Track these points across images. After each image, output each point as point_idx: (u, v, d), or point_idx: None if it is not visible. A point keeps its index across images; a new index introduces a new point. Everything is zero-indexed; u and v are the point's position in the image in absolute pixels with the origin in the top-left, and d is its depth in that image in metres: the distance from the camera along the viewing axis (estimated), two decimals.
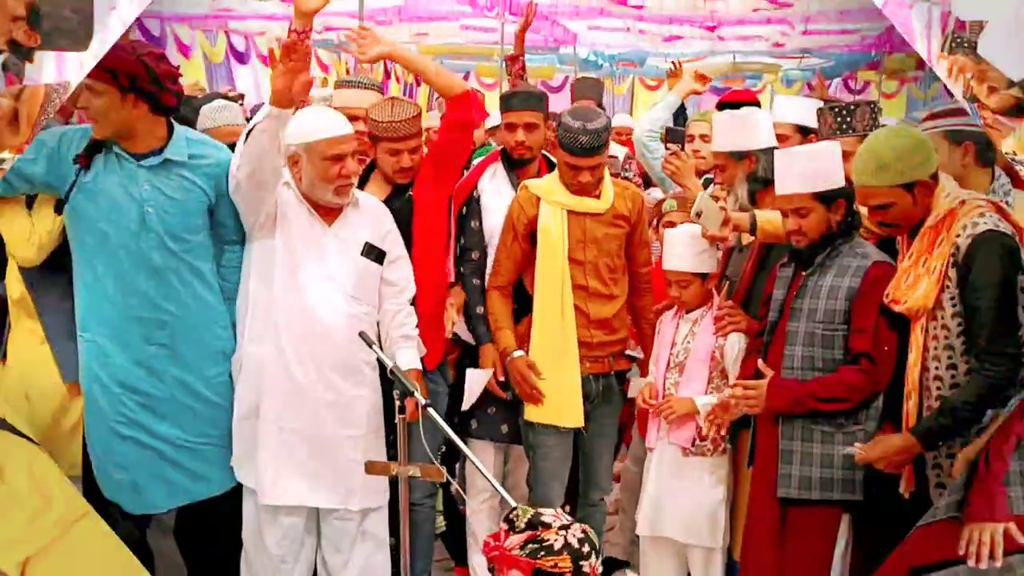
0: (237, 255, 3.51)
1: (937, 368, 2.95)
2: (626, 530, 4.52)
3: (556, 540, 2.24)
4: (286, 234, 3.42)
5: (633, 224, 3.88)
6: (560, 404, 3.76)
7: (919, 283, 2.94)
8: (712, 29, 11.19)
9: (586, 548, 2.28)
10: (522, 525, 2.26)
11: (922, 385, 2.98)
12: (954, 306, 2.90)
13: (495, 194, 3.99)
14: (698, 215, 3.52)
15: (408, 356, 3.56)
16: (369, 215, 3.58)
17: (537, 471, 3.86)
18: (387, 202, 3.73)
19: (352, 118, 3.60)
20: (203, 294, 3.41)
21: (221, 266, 3.49)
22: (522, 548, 2.23)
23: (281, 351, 3.40)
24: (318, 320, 3.40)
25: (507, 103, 4.03)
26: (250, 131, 3.23)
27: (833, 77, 15.74)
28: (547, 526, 2.25)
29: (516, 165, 4.03)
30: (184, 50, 11.33)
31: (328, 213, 3.48)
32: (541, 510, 2.31)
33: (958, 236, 2.86)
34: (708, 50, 13.90)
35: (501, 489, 2.89)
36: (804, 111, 3.98)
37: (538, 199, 3.78)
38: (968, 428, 2.89)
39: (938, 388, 2.95)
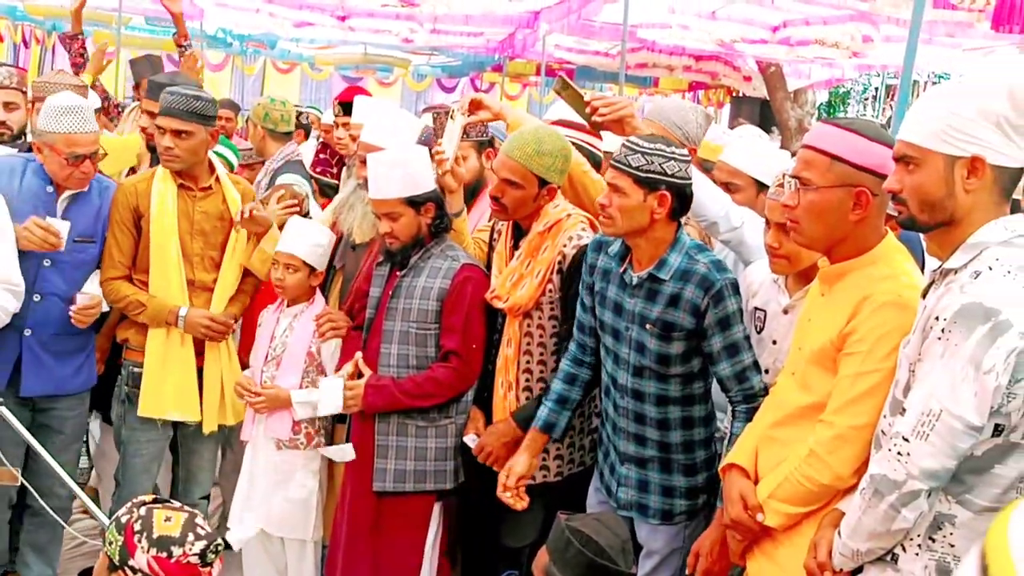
0: None
1: (528, 362, 3.17)
2: None
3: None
4: None
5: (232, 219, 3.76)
6: (177, 397, 3.62)
7: (522, 283, 3.14)
8: (343, 19, 11.17)
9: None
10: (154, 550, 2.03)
11: (517, 378, 3.17)
12: (552, 308, 3.13)
13: None
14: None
15: None
16: None
17: (128, 468, 3.71)
18: None
19: None
20: None
21: None
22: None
23: None
24: None
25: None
26: None
27: (461, 76, 16.38)
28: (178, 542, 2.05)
29: None
30: None
31: None
32: (154, 521, 2.07)
33: (564, 245, 3.09)
34: (340, 39, 13.91)
35: (92, 506, 2.78)
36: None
37: (147, 188, 3.61)
38: None
39: (527, 380, 3.17)
